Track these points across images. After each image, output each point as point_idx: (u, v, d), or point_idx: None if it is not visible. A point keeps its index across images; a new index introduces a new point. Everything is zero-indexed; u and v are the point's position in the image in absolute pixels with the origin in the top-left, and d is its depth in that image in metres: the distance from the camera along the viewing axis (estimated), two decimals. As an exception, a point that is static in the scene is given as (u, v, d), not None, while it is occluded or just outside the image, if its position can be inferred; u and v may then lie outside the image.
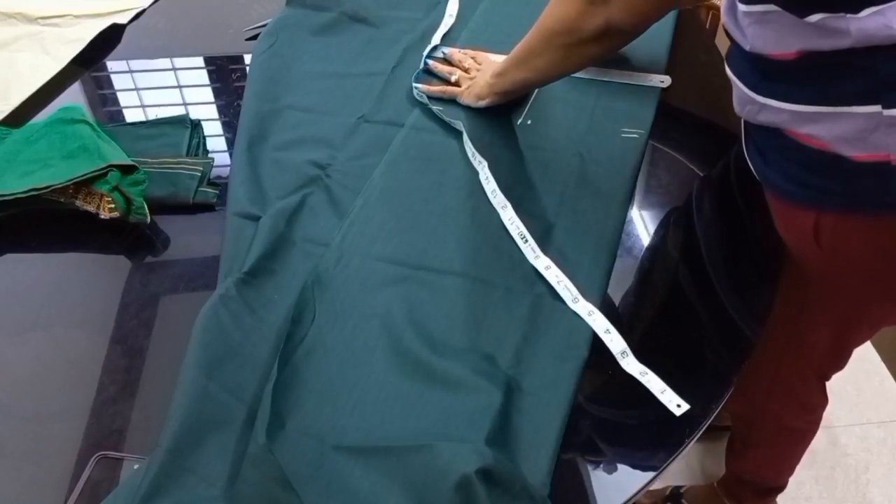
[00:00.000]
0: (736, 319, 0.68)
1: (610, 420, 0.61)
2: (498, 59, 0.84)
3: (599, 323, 0.63)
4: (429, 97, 0.86)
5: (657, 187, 0.79)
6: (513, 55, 0.78)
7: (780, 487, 1.11)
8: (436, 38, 0.97)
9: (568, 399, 0.57)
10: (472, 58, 0.89)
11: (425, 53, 0.93)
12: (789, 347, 0.83)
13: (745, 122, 0.69)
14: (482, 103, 0.83)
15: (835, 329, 0.79)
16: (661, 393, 0.59)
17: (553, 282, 0.66)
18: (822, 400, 0.94)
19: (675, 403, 0.58)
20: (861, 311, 0.76)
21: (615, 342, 0.62)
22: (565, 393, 0.58)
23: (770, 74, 0.61)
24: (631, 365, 0.61)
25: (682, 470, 1.31)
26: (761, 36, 0.60)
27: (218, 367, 0.58)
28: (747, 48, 0.61)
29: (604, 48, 0.70)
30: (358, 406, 0.57)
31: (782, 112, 0.61)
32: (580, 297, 0.64)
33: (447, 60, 0.91)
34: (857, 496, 1.30)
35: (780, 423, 0.97)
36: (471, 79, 0.85)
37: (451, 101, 0.86)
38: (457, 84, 0.86)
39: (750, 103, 0.65)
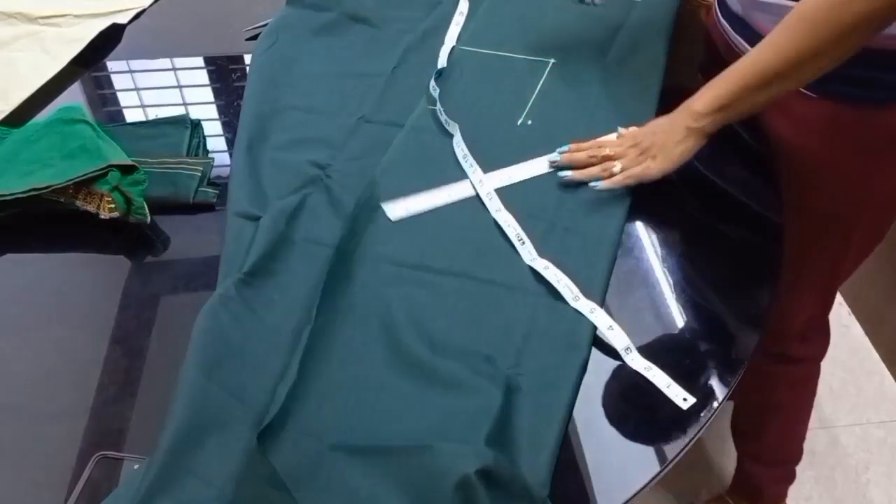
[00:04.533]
0: (736, 317, 0.68)
1: (610, 420, 0.61)
2: (626, 132, 0.73)
3: (602, 320, 0.63)
4: None
5: (655, 186, 0.79)
6: (755, 75, 0.65)
7: (797, 459, 1.14)
8: (450, 38, 0.97)
9: (568, 399, 0.57)
10: (594, 145, 0.75)
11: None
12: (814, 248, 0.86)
13: None
14: (690, 155, 0.71)
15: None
16: (667, 387, 0.59)
17: (553, 281, 0.66)
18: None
19: (682, 397, 0.58)
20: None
21: (618, 338, 0.62)
22: (565, 393, 0.58)
23: None
24: (635, 361, 0.61)
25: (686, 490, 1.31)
26: None
27: (218, 367, 0.58)
28: None
29: None
30: (357, 406, 0.57)
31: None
32: (581, 295, 0.64)
33: (574, 161, 0.75)
34: (857, 496, 1.30)
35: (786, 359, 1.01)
36: (640, 154, 0.72)
37: (452, 101, 0.85)
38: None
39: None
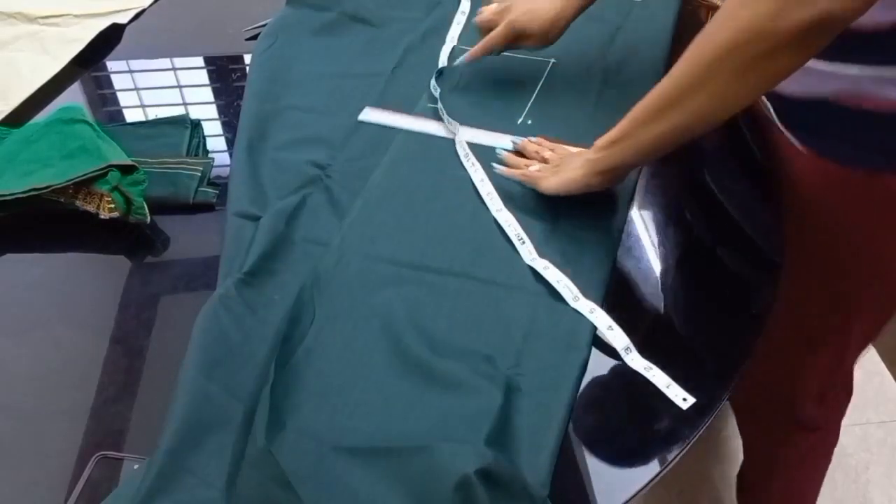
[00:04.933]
0: (736, 316, 0.68)
1: (610, 420, 0.61)
2: (581, 150, 0.73)
3: (602, 320, 0.63)
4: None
5: (656, 187, 0.79)
6: (641, 109, 0.62)
7: None
8: (451, 38, 0.97)
9: (568, 400, 0.57)
10: (550, 149, 0.76)
11: (443, 64, 0.92)
12: (847, 319, 0.82)
13: (784, 99, 0.67)
14: (575, 187, 0.69)
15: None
16: (667, 388, 0.59)
17: (553, 281, 0.66)
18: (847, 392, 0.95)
19: (682, 397, 0.58)
20: None
21: (618, 338, 0.62)
22: (565, 394, 0.57)
23: (846, 39, 0.54)
24: (635, 361, 0.61)
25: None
26: None
27: (218, 367, 0.58)
28: None
29: (805, 53, 0.53)
30: (357, 407, 0.57)
31: (858, 79, 0.59)
32: (580, 295, 0.64)
33: (518, 153, 0.78)
34: (857, 496, 1.30)
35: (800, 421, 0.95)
36: (554, 167, 0.72)
37: (452, 101, 0.86)
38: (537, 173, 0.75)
39: (806, 74, 0.58)
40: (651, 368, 0.60)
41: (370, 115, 0.86)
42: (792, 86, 0.66)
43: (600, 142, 0.67)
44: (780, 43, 0.51)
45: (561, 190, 0.70)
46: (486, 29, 0.85)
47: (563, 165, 0.72)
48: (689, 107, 0.58)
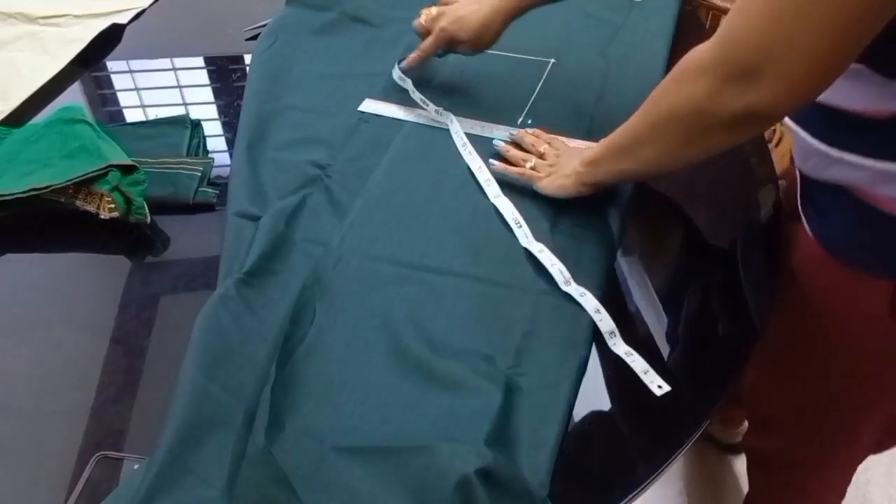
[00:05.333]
0: (735, 320, 0.68)
1: (610, 421, 0.61)
2: (577, 145, 0.76)
3: (590, 303, 0.63)
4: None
5: (656, 187, 0.79)
6: (611, 141, 0.65)
7: None
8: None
9: (568, 400, 0.57)
10: (548, 143, 0.78)
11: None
12: (836, 434, 0.77)
13: (804, 175, 0.63)
14: (565, 194, 0.71)
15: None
16: (644, 373, 0.59)
17: (547, 264, 0.66)
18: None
19: (657, 384, 0.58)
20: None
21: (604, 322, 0.62)
22: (565, 393, 0.58)
23: (850, 127, 0.55)
24: (618, 345, 0.61)
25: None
26: (843, 92, 0.53)
27: (218, 367, 0.58)
28: (818, 99, 0.53)
29: (738, 136, 0.54)
30: (358, 406, 0.57)
31: (861, 169, 0.55)
32: (571, 279, 0.65)
33: (516, 143, 0.80)
34: (858, 496, 1.30)
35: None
36: (550, 165, 0.74)
37: (453, 101, 0.86)
38: (533, 170, 0.76)
39: (816, 155, 0.58)
40: (632, 354, 0.61)
41: (370, 105, 0.87)
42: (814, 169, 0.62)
43: (585, 157, 0.69)
44: (715, 124, 0.53)
45: (554, 194, 0.72)
46: (423, 34, 0.87)
47: (557, 167, 0.73)
48: (641, 155, 0.62)
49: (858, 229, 0.59)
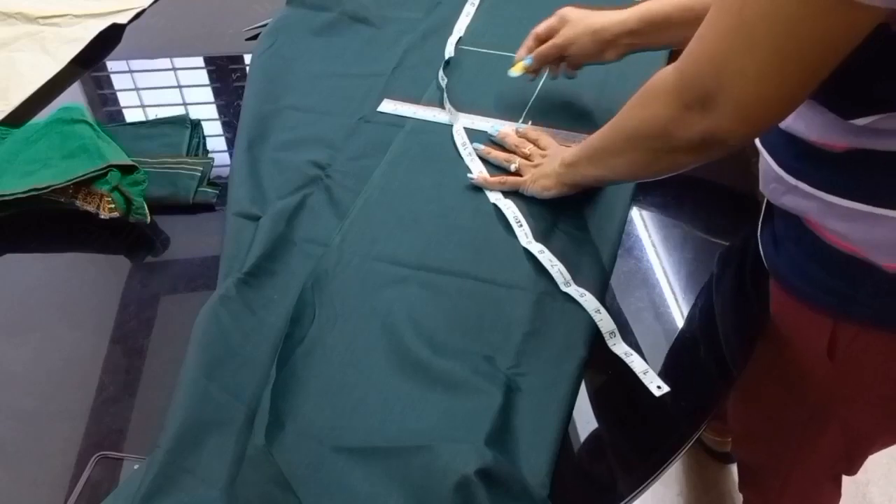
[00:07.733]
0: (731, 327, 0.68)
1: (609, 421, 0.61)
2: (564, 142, 0.76)
3: (590, 303, 0.63)
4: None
5: (656, 187, 0.79)
6: (586, 147, 0.66)
7: None
8: (458, 29, 0.98)
9: (567, 400, 0.57)
10: (534, 141, 0.78)
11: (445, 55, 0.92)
12: (801, 451, 0.77)
13: (767, 199, 0.63)
14: (548, 194, 0.72)
15: (847, 439, 0.72)
16: (644, 374, 0.59)
17: (547, 265, 0.66)
18: (835, 498, 0.88)
19: (656, 385, 0.58)
20: (876, 427, 0.69)
21: (605, 322, 0.63)
22: (565, 394, 0.58)
23: (807, 157, 0.55)
24: (617, 346, 0.62)
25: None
26: (806, 120, 0.54)
27: (218, 367, 0.58)
28: (783, 126, 0.55)
29: (700, 157, 0.54)
30: (358, 407, 0.57)
31: (812, 199, 0.55)
32: (571, 280, 0.65)
33: (499, 145, 0.80)
34: (857, 496, 1.30)
35: None
36: (534, 166, 0.75)
37: (453, 100, 0.86)
38: (517, 174, 0.76)
39: (776, 181, 0.58)
40: (631, 355, 0.61)
41: (387, 106, 0.87)
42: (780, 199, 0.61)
43: (565, 157, 0.70)
44: (678, 146, 0.53)
45: (538, 195, 0.73)
46: (540, 40, 0.81)
47: (543, 167, 0.74)
48: (612, 164, 0.63)
49: (806, 261, 0.59)
